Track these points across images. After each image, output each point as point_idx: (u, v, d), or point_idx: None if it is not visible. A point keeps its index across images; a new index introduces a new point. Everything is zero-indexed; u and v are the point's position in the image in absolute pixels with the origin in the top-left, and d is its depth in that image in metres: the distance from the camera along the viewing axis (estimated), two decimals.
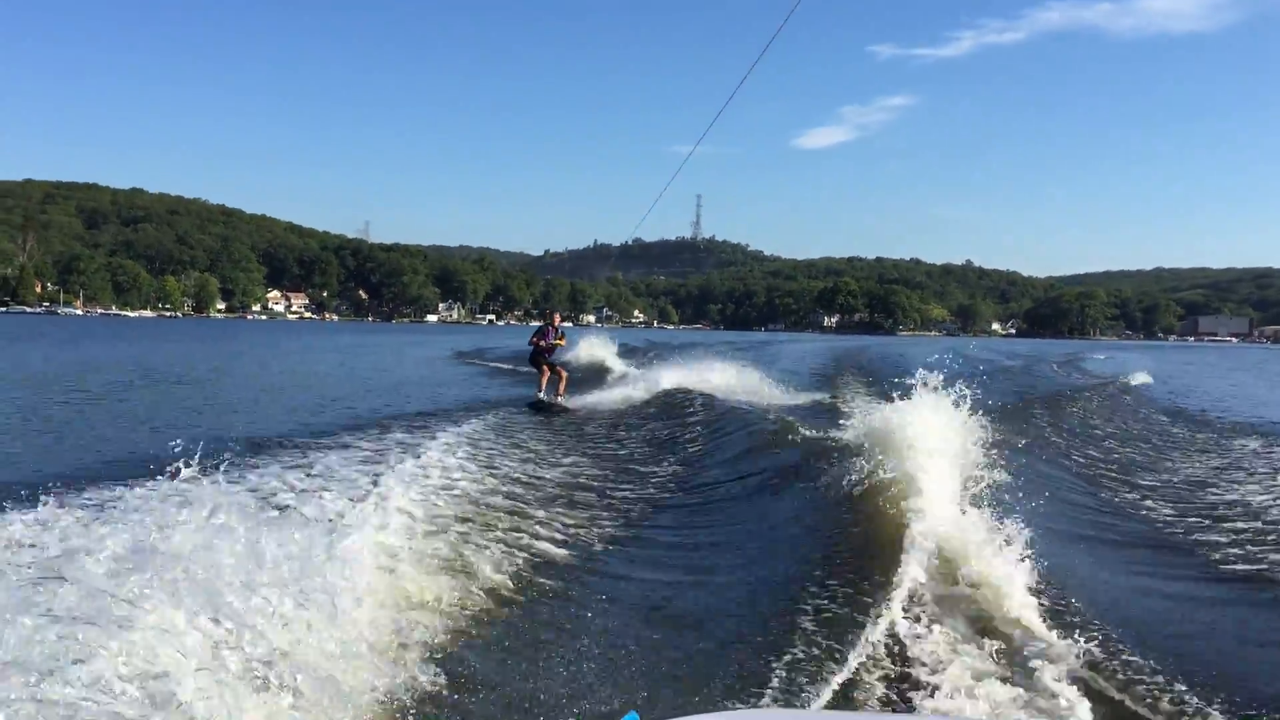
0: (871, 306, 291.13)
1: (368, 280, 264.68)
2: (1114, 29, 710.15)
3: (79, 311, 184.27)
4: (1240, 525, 11.68)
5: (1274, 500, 13.11)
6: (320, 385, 31.71)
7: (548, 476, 13.35)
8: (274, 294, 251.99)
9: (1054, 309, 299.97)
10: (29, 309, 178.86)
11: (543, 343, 25.42)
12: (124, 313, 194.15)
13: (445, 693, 5.81)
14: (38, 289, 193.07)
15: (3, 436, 16.64)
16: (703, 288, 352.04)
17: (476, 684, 6.00)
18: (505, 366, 42.02)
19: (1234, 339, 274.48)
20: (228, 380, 33.66)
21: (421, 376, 37.11)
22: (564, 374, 25.55)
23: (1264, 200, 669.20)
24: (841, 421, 15.40)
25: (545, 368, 25.20)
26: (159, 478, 8.15)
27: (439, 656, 6.30)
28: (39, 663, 4.21)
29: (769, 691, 6.07)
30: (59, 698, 4.03)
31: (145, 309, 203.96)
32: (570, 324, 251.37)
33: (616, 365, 36.16)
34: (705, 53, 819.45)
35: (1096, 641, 6.79)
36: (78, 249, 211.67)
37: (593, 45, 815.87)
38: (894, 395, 12.41)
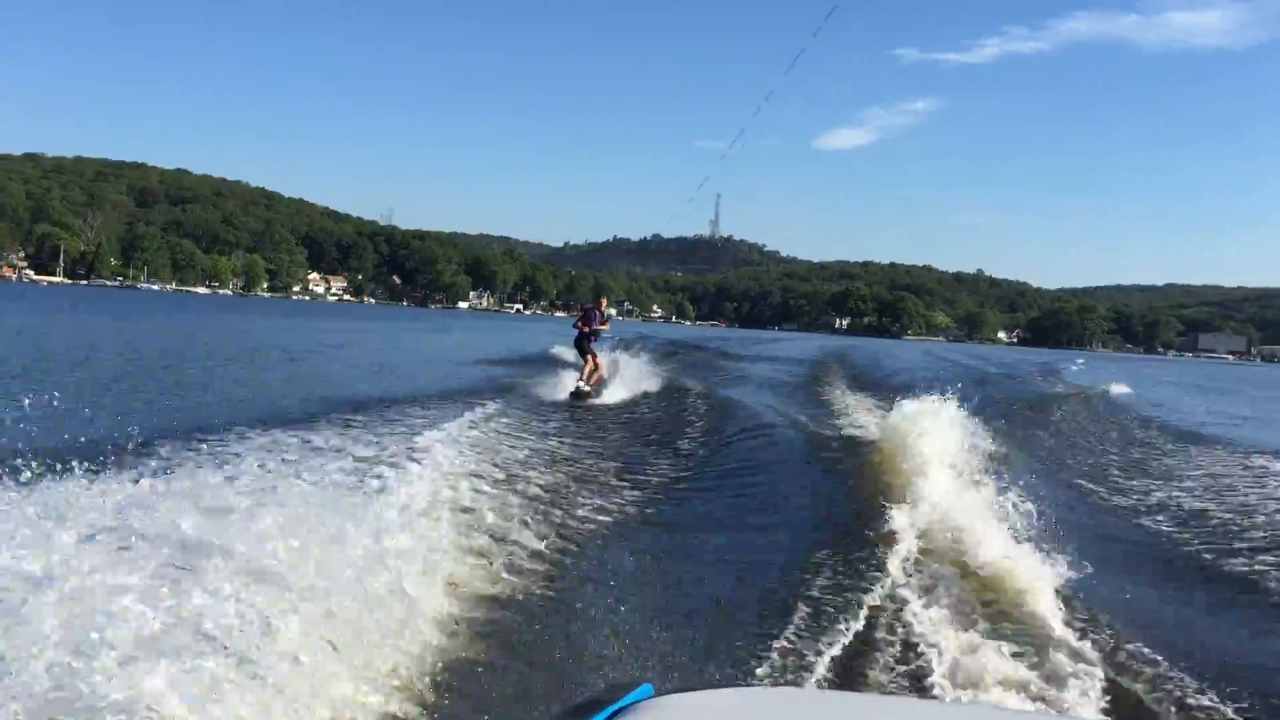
0: (880, 311, 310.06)
1: (401, 267, 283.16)
2: (1140, 41, 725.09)
3: (156, 287, 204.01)
4: (1231, 528, 12.49)
5: (1261, 504, 14.07)
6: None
7: (557, 464, 13.71)
8: (313, 276, 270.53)
9: (1055, 321, 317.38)
10: (108, 283, 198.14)
11: (587, 328, 25.55)
12: (195, 289, 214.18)
13: (470, 666, 6.11)
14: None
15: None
16: (720, 285, 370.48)
17: (500, 657, 6.35)
18: None
19: (1231, 356, 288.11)
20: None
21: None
22: (600, 365, 25.57)
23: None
24: (837, 414, 17.96)
25: (589, 355, 25.18)
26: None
27: (464, 633, 6.59)
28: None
29: (780, 665, 6.49)
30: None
31: (199, 286, 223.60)
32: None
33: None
34: (734, 48, 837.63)
35: (1101, 628, 7.40)
36: (140, 228, 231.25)
37: (620, 36, 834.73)
38: (888, 394, 14.44)
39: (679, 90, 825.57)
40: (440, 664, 6.00)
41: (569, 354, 33.95)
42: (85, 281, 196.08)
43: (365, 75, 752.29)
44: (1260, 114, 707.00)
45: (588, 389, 24.39)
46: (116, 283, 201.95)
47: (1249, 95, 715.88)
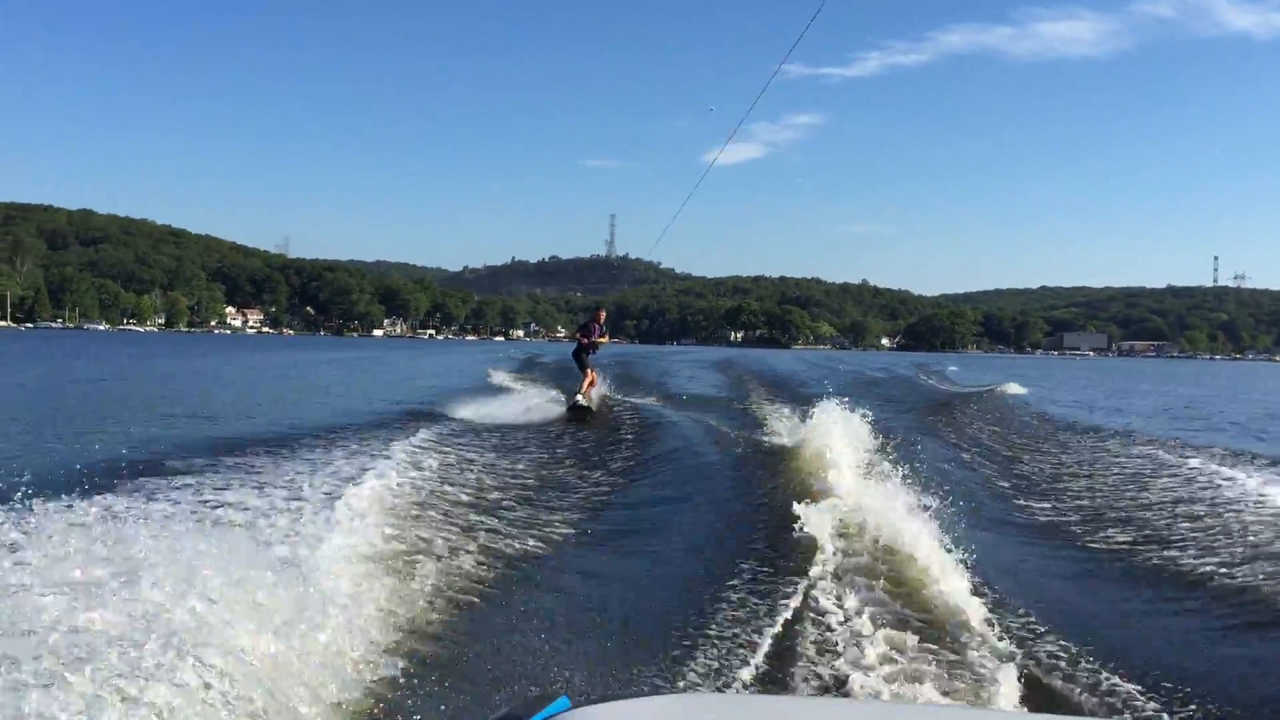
0: (771, 324, 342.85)
1: (315, 298, 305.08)
2: (1013, 52, 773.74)
3: (102, 327, 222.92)
4: (1134, 517, 13.26)
5: (1160, 495, 14.93)
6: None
7: (489, 481, 14.05)
8: (230, 310, 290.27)
9: (929, 326, 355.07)
10: (53, 325, 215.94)
11: (587, 340, 26.09)
12: (135, 328, 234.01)
13: (387, 682, 6.25)
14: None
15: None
16: (619, 304, 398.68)
17: (417, 672, 6.44)
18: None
19: (1092, 353, 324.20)
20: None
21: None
22: (594, 376, 25.76)
23: (1144, 221, 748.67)
24: (759, 424, 19.87)
25: (587, 369, 25.59)
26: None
27: (380, 651, 6.69)
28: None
29: (700, 671, 6.71)
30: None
31: (127, 324, 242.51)
32: (502, 338, 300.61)
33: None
34: (613, 64, 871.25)
35: (1015, 616, 7.91)
36: (69, 270, 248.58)
37: (496, 57, 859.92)
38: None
39: (560, 111, 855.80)
40: (355, 679, 6.14)
41: (500, 376, 40.66)
42: (30, 325, 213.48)
43: (250, 103, 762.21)
44: (1126, 119, 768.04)
45: (585, 403, 25.03)
46: (58, 325, 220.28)
47: (1116, 102, 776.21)
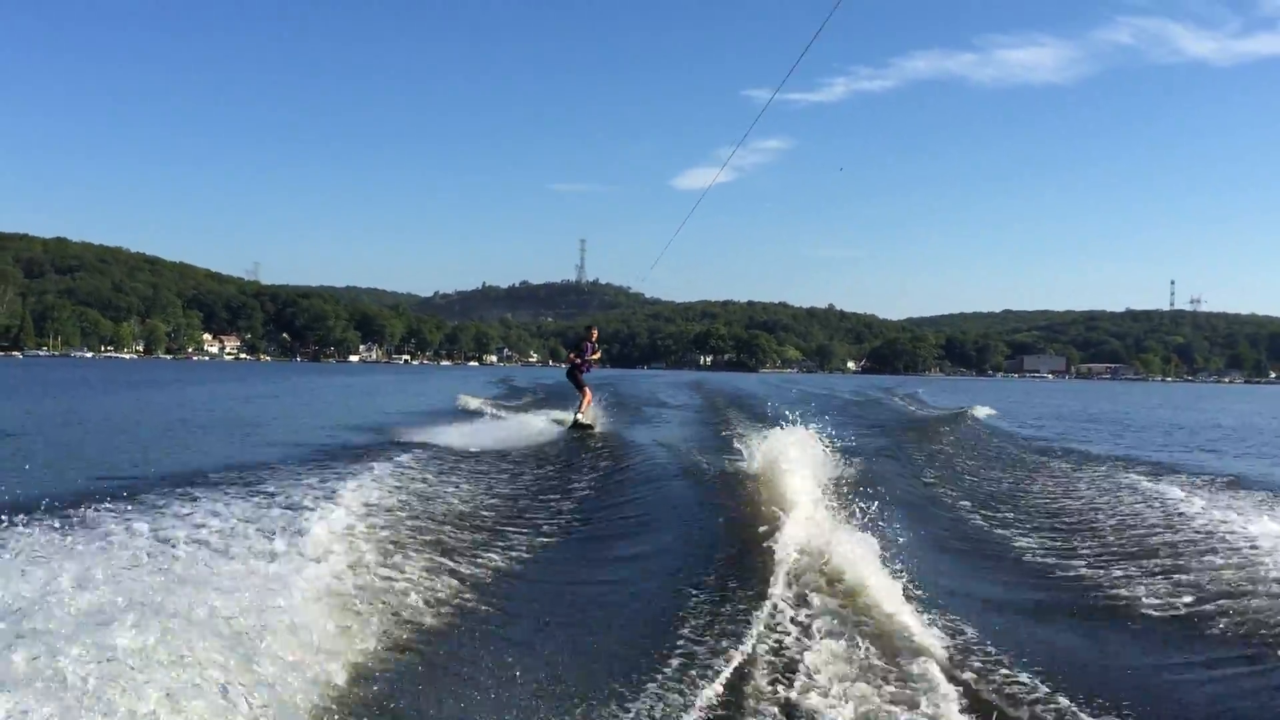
0: (739, 348, 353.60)
1: (290, 324, 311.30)
2: (977, 78, 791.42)
3: (88, 355, 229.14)
4: (1082, 539, 13.53)
5: (1114, 519, 15.02)
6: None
7: (451, 512, 13.91)
8: (206, 337, 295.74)
9: (892, 350, 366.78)
10: (40, 354, 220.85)
11: (580, 359, 27.22)
12: (116, 355, 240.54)
13: None
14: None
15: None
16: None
17: (367, 712, 6.35)
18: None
19: (1050, 375, 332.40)
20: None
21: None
22: (589, 395, 27.15)
23: (1105, 245, 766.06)
24: (728, 448, 19.62)
25: (584, 388, 26.88)
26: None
27: (334, 693, 6.55)
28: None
29: (652, 700, 6.75)
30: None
31: (106, 351, 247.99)
32: (476, 363, 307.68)
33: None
34: (581, 87, 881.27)
35: (971, 646, 7.94)
36: (49, 299, 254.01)
37: (469, 82, 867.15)
38: (771, 424, 16.37)
39: (529, 134, 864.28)
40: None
41: (474, 401, 41.72)
42: (18, 354, 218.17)
43: (216, 128, 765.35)
44: (1088, 145, 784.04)
45: (586, 421, 26.24)
46: (44, 353, 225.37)
47: (1078, 128, 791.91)
